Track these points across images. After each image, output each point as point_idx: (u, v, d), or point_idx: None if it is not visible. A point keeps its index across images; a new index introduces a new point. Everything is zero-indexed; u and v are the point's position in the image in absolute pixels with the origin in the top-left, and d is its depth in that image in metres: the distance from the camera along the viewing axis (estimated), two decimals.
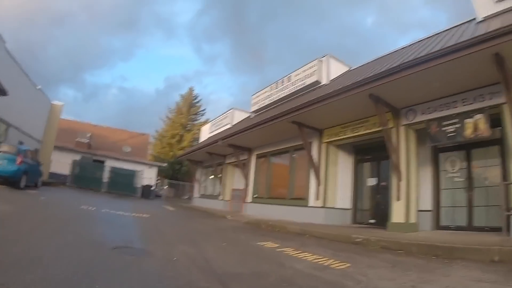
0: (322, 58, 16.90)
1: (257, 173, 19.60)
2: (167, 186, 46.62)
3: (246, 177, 20.13)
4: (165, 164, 45.34)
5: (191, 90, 63.68)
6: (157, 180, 43.49)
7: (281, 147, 17.50)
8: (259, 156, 19.72)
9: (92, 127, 47.48)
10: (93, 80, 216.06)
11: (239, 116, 24.98)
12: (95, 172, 30.75)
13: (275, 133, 16.26)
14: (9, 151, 15.22)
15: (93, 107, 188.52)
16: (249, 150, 20.45)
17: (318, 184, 13.98)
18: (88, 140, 40.17)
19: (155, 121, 69.37)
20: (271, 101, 20.26)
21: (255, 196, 19.13)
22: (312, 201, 14.25)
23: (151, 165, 41.29)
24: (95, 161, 34.91)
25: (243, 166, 20.42)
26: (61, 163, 30.87)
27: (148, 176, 35.12)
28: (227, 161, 23.88)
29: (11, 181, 14.63)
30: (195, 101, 63.34)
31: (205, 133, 29.03)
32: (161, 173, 49.76)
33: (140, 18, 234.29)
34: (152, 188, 32.72)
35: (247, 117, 24.08)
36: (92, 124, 48.94)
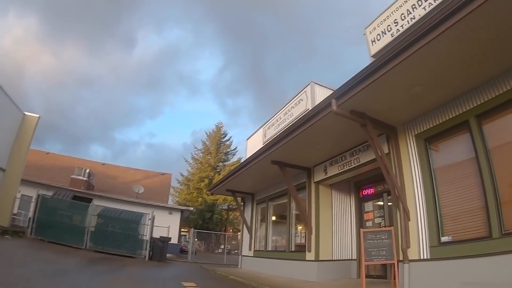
0: None
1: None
2: (196, 239, 34.65)
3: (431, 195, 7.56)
4: (191, 208, 33.08)
5: (218, 126, 53.29)
6: (181, 230, 31.03)
7: None
8: None
9: (99, 165, 37.16)
10: (121, 137, 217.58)
11: (322, 95, 12.76)
12: (73, 216, 17.92)
13: None
14: None
15: (122, 163, 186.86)
16: (393, 129, 8.29)
17: None
18: (86, 178, 28.55)
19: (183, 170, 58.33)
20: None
21: None
22: None
23: (172, 210, 28.98)
24: (77, 198, 22.13)
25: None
26: None
27: (165, 223, 22.69)
28: (318, 178, 11.49)
29: None
30: (225, 138, 53.06)
31: (255, 145, 16.67)
32: (188, 223, 39.17)
33: (164, 77, 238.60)
34: (169, 241, 19.46)
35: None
36: (100, 163, 38.73)
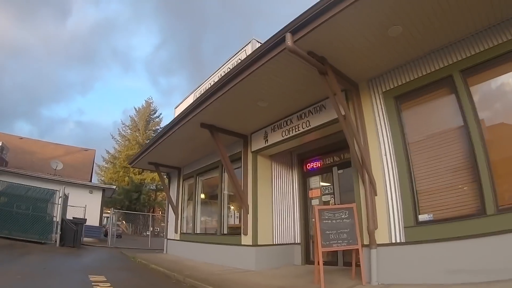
0: None
1: None
2: (123, 222, 32.07)
3: None
4: (114, 187, 30.22)
5: (148, 102, 50.62)
6: (103, 211, 28.28)
7: None
8: None
9: (17, 139, 33.16)
10: (49, 114, 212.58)
11: None
12: None
13: None
14: None
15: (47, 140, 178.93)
16: (355, 86, 6.89)
17: None
18: None
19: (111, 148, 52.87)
20: None
21: None
22: None
23: (92, 188, 26.18)
24: None
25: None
26: None
27: (85, 203, 20.16)
28: (257, 147, 9.66)
29: None
30: (155, 115, 50.26)
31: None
32: (114, 204, 36.14)
33: (97, 51, 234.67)
34: (85, 223, 16.96)
35: None
36: (17, 137, 34.74)
